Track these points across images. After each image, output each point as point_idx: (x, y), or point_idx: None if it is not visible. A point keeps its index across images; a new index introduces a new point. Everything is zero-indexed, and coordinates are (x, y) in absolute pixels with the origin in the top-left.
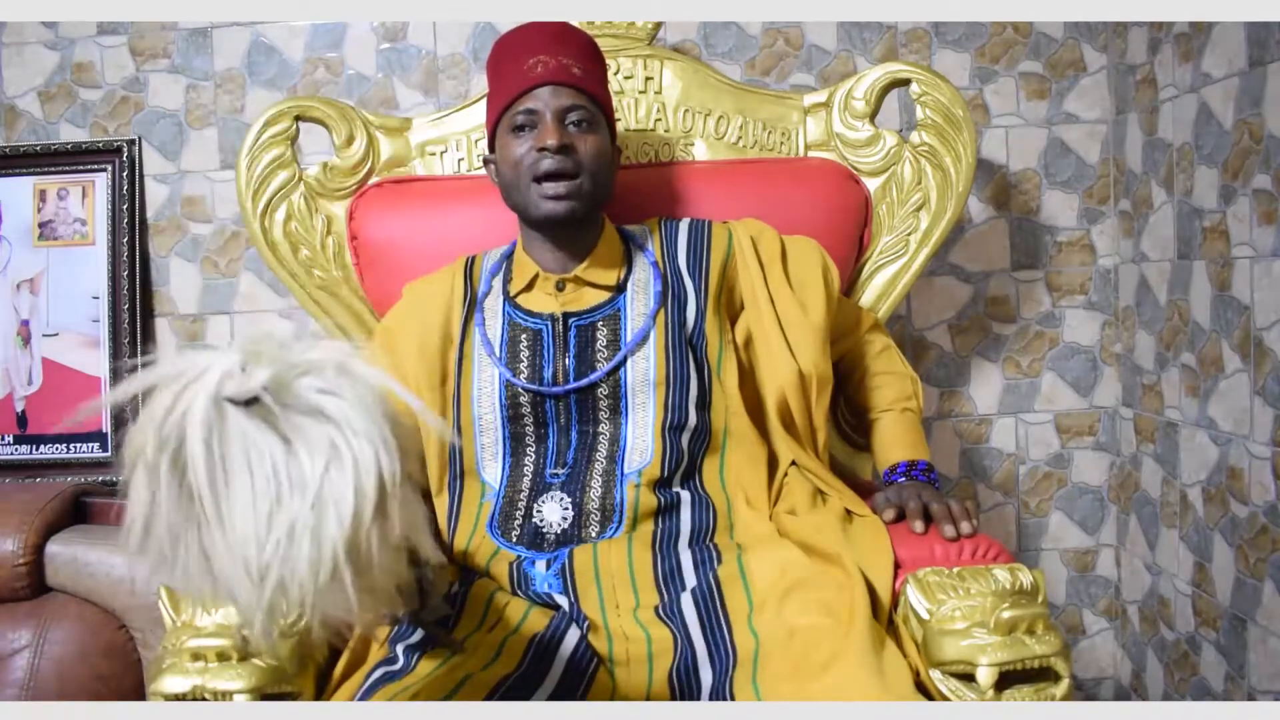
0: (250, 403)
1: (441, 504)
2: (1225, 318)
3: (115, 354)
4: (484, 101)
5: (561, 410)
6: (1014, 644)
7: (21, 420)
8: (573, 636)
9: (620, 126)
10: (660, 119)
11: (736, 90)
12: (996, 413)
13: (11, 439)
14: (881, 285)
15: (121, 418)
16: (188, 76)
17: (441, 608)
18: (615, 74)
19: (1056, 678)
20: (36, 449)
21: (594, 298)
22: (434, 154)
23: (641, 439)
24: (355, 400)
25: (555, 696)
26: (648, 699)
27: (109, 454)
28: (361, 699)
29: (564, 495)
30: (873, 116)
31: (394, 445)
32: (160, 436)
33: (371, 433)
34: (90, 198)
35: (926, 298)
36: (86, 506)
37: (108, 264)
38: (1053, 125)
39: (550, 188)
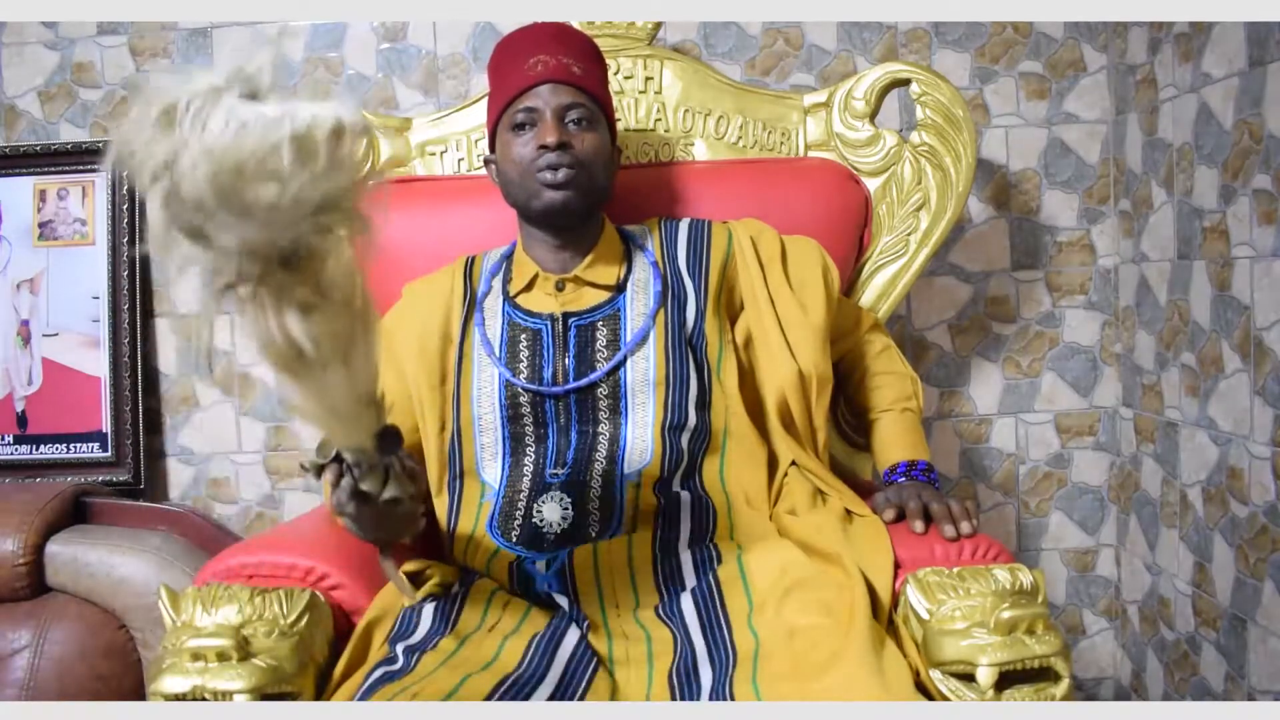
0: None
1: (441, 504)
2: (1225, 318)
3: (115, 354)
4: (484, 101)
5: (561, 410)
6: (1014, 644)
7: (21, 420)
8: (573, 636)
9: (620, 126)
10: (660, 119)
11: (736, 90)
12: (996, 413)
13: (11, 439)
14: (881, 285)
15: (122, 418)
16: None
17: (399, 509)
18: (615, 74)
19: (1056, 678)
20: (36, 449)
21: (594, 298)
22: (434, 154)
23: (641, 439)
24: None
25: (555, 696)
26: (648, 699)
27: (109, 454)
28: (361, 699)
29: (564, 495)
30: (873, 116)
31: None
32: (158, 102)
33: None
34: (90, 198)
35: (926, 298)
36: (86, 506)
37: (108, 264)
38: (1053, 125)
39: (550, 175)
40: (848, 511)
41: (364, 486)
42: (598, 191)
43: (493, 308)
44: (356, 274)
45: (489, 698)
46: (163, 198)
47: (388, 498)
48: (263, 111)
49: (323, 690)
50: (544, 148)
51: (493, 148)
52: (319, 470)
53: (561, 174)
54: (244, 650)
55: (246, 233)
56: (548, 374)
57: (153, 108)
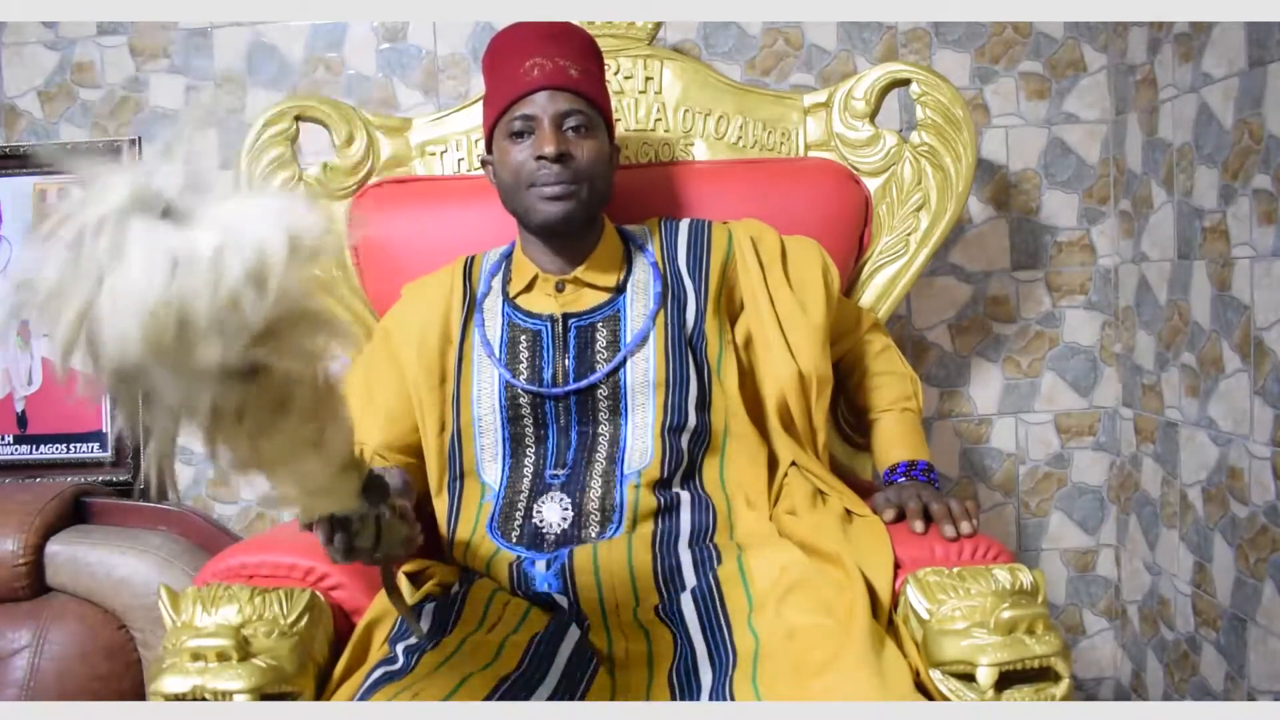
0: (159, 215)
1: (441, 504)
2: (1225, 318)
3: None
4: (483, 102)
5: (561, 411)
6: (1014, 644)
7: (21, 420)
8: (572, 637)
9: (620, 126)
10: (660, 119)
11: (736, 90)
12: (996, 413)
13: (11, 439)
14: (881, 285)
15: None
16: (188, 76)
17: (396, 550)
18: (615, 74)
19: (1056, 678)
20: (36, 449)
21: (593, 298)
22: (434, 154)
23: (641, 440)
24: (259, 210)
25: (555, 696)
26: (647, 699)
27: (109, 454)
28: (361, 699)
29: (564, 496)
30: (873, 116)
31: (295, 233)
32: (63, 229)
33: (268, 222)
34: None
35: (926, 298)
36: (86, 506)
37: None
38: (1053, 125)
39: (549, 189)
40: (848, 511)
41: (358, 544)
42: (597, 200)
43: (492, 308)
44: (321, 368)
45: (489, 698)
46: (82, 354)
47: (383, 551)
48: (194, 242)
49: (323, 690)
50: (542, 158)
51: (489, 148)
52: (308, 526)
53: (561, 189)
54: (244, 650)
55: (191, 390)
56: (547, 375)
57: (56, 236)
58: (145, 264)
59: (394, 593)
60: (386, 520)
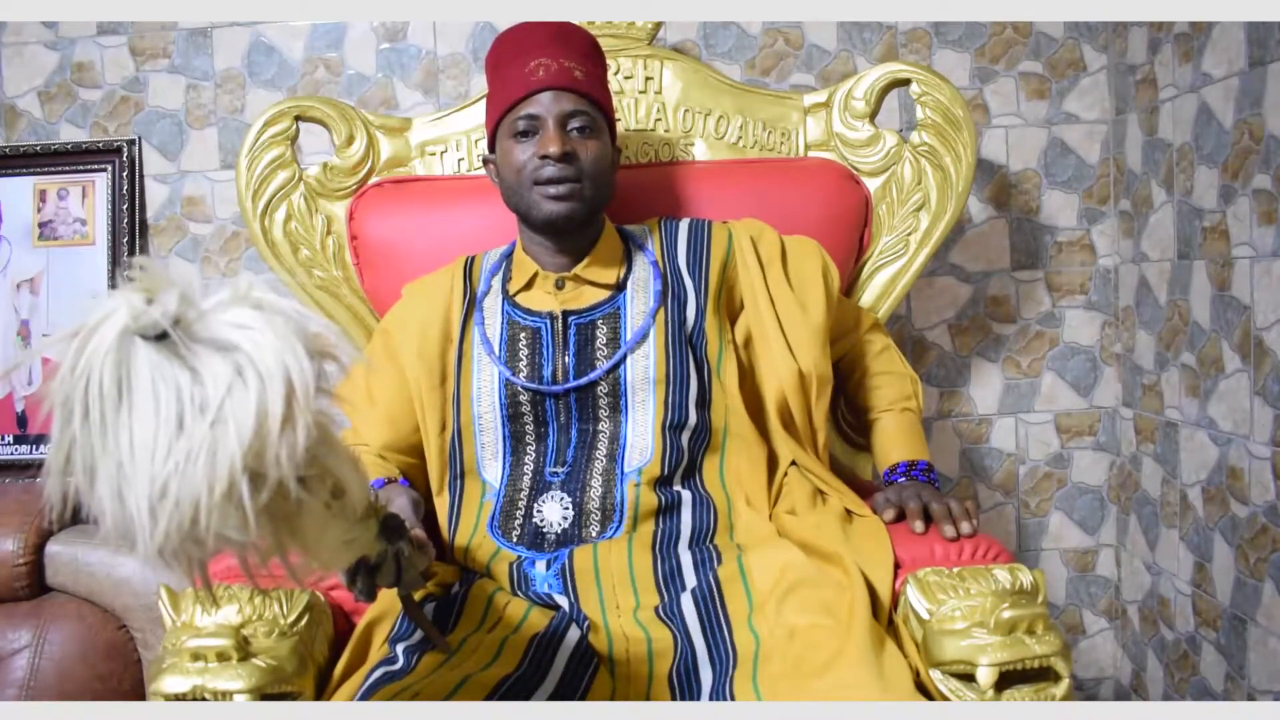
0: (160, 338)
1: (442, 504)
2: (1225, 318)
3: None
4: (484, 102)
5: (561, 409)
6: (1014, 644)
7: (21, 420)
8: (573, 637)
9: (620, 126)
10: (660, 119)
11: (736, 90)
12: (996, 413)
13: (11, 439)
14: (881, 285)
15: None
16: (188, 76)
17: (417, 582)
18: (615, 74)
19: (1056, 678)
20: (36, 449)
21: (593, 296)
22: (434, 154)
23: (641, 437)
24: (267, 326)
25: (555, 697)
26: (648, 699)
27: None
28: (361, 699)
29: (564, 495)
30: (873, 116)
31: (305, 356)
32: (72, 373)
33: (280, 346)
34: (90, 198)
35: (926, 298)
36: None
37: (108, 264)
38: (1053, 125)
39: (552, 189)
40: (848, 511)
41: (381, 583)
42: (599, 200)
43: (492, 307)
44: (336, 464)
45: (489, 698)
46: (106, 522)
47: (405, 587)
48: (199, 421)
49: (323, 690)
50: (546, 157)
51: (492, 147)
52: None
53: (564, 188)
54: (244, 650)
55: (208, 551)
56: (547, 372)
57: (53, 393)
58: (148, 442)
59: (419, 617)
60: (406, 556)
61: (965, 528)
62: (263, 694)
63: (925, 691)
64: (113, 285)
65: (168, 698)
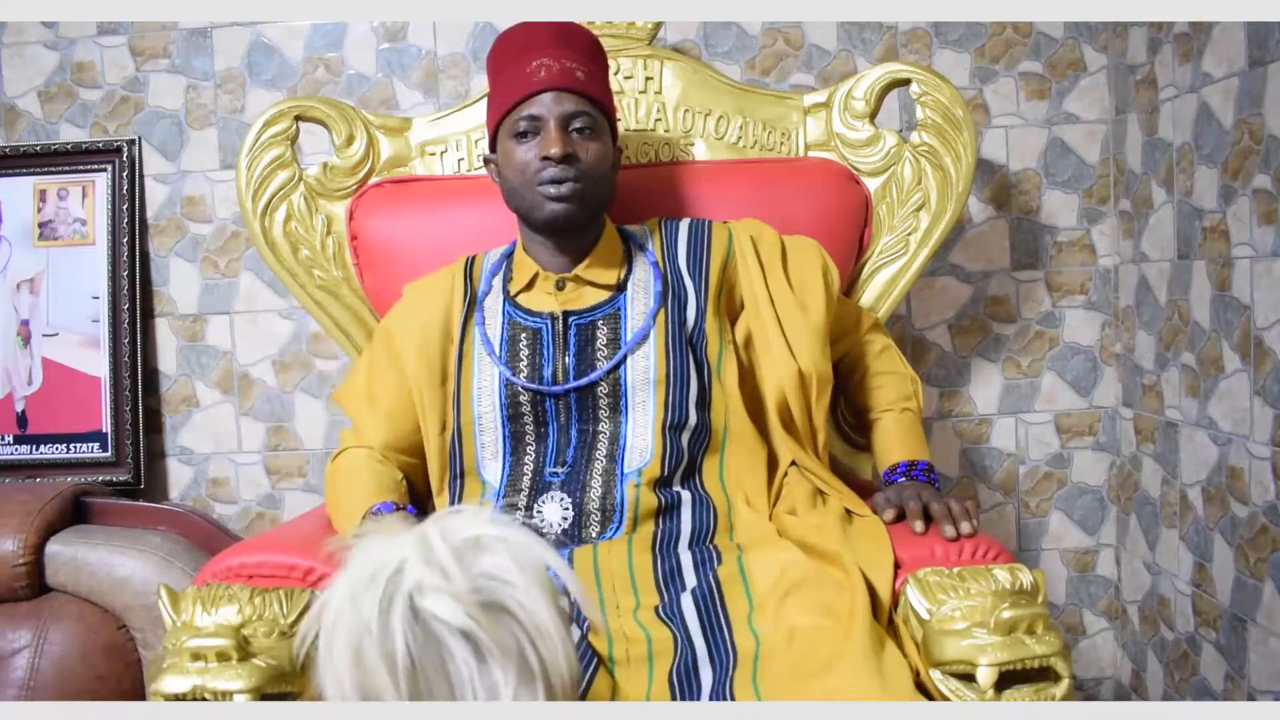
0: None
1: (442, 503)
2: (1225, 318)
3: (115, 354)
4: (484, 101)
5: (561, 409)
6: (1014, 644)
7: (21, 420)
8: (572, 637)
9: (620, 126)
10: (660, 119)
11: (736, 90)
12: (996, 413)
13: (11, 439)
14: (881, 285)
15: (121, 418)
16: (188, 76)
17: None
18: (615, 74)
19: (1056, 678)
20: (36, 449)
21: (594, 297)
22: (434, 154)
23: (641, 438)
24: (529, 587)
25: None
26: (648, 699)
27: (109, 454)
28: None
29: (564, 495)
30: (873, 116)
31: (573, 649)
32: (360, 623)
33: (553, 638)
34: (90, 198)
35: (926, 298)
36: (86, 506)
37: (108, 264)
38: (1053, 125)
39: (553, 189)
40: (848, 511)
41: None
42: (600, 200)
43: (493, 307)
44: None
45: None
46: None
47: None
48: (492, 685)
49: None
50: (547, 158)
51: (493, 147)
52: None
53: (566, 188)
54: (244, 650)
55: None
56: (548, 373)
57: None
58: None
59: None
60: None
61: (965, 528)
62: (263, 694)
63: (925, 691)
64: (113, 285)
65: (168, 697)
